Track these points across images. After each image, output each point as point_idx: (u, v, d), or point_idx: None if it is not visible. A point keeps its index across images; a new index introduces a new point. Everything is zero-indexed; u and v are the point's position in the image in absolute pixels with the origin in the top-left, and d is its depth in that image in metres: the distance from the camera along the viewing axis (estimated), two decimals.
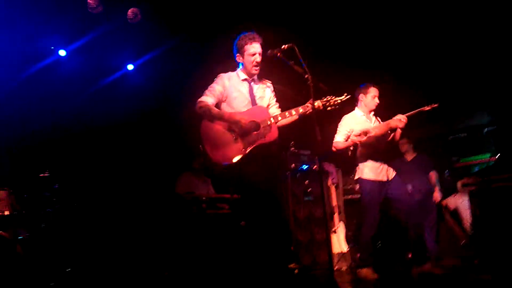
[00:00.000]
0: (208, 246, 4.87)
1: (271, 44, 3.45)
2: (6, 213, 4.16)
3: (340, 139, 4.48)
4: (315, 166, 5.67)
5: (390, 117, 4.40)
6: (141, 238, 5.34)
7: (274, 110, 3.67)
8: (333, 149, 4.50)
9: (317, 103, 3.44)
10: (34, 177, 4.53)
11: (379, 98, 4.56)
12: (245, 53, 3.51)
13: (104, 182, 5.88)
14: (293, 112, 3.45)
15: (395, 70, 6.08)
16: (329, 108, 3.50)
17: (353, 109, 4.63)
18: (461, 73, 6.20)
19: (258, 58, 3.49)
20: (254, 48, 3.48)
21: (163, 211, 5.27)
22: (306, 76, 3.21)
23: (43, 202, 4.43)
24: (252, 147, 3.32)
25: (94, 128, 5.83)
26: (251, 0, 5.47)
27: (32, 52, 5.40)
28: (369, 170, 4.42)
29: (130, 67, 6.33)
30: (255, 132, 3.35)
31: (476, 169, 6.28)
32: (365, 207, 4.42)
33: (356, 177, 4.53)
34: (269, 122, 3.39)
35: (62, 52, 5.69)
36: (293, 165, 5.71)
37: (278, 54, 3.35)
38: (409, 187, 5.62)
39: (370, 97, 4.52)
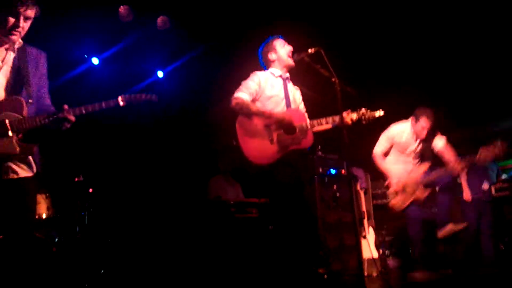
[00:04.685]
0: (237, 250, 4.90)
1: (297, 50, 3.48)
2: (44, 216, 4.30)
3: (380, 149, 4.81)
4: (343, 171, 5.62)
5: None
6: (173, 242, 5.41)
7: None
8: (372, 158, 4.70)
9: (354, 116, 3.39)
10: (69, 181, 4.68)
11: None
12: (277, 47, 3.54)
13: (137, 186, 6.01)
14: (330, 120, 3.37)
15: (425, 71, 6.01)
16: (364, 122, 3.41)
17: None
18: (492, 76, 6.05)
19: (290, 48, 3.52)
20: (283, 41, 3.55)
21: (194, 215, 5.33)
22: (333, 79, 3.15)
23: (78, 206, 4.56)
24: (287, 151, 3.28)
25: (127, 133, 5.97)
26: (276, 5, 5.49)
27: (66, 61, 5.58)
28: None
29: (160, 74, 6.46)
30: (291, 136, 3.30)
31: (511, 173, 6.12)
32: None
33: None
34: (305, 127, 3.35)
35: (95, 60, 5.86)
36: (321, 169, 5.67)
37: (305, 58, 3.35)
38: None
39: (426, 124, 4.57)
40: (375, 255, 5.36)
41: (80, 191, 4.62)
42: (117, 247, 4.97)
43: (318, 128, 3.43)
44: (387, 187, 4.65)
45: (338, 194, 5.60)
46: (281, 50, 3.53)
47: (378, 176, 6.46)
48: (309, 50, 3.33)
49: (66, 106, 2.45)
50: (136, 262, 5.14)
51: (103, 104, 2.56)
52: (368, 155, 4.95)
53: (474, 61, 5.95)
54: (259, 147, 3.25)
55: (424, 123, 4.48)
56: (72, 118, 2.47)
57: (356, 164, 5.83)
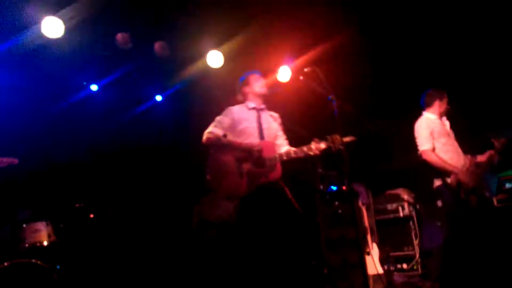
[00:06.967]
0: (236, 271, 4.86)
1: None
2: (45, 243, 4.28)
3: (428, 146, 4.11)
4: (344, 187, 5.61)
5: None
6: (176, 268, 5.36)
7: (281, 141, 3.71)
8: (424, 157, 4.11)
9: (323, 145, 3.39)
10: (70, 207, 4.68)
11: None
12: (251, 81, 3.72)
13: (138, 211, 5.99)
14: (299, 151, 3.44)
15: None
16: (333, 150, 3.36)
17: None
18: (493, 86, 6.06)
19: (263, 81, 3.71)
20: (258, 76, 3.75)
21: (193, 237, 5.30)
22: (330, 96, 3.24)
23: (79, 232, 4.55)
24: (257, 185, 3.32)
25: (126, 158, 6.00)
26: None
27: (65, 88, 5.64)
28: None
29: (159, 98, 6.52)
30: (260, 169, 3.35)
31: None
32: None
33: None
34: (273, 160, 3.39)
35: (94, 87, 5.91)
36: (322, 186, 5.66)
37: (301, 76, 3.42)
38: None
39: (446, 102, 4.40)
40: (380, 270, 5.32)
41: (81, 217, 4.61)
42: (120, 271, 4.94)
43: (287, 159, 3.46)
44: (460, 185, 3.96)
45: (339, 211, 5.58)
46: (255, 83, 3.70)
47: (379, 191, 6.47)
48: (305, 69, 3.41)
49: None
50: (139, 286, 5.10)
51: None
52: (368, 171, 4.93)
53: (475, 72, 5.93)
54: (229, 182, 3.30)
55: (444, 96, 4.38)
56: None
57: (356, 179, 5.83)
